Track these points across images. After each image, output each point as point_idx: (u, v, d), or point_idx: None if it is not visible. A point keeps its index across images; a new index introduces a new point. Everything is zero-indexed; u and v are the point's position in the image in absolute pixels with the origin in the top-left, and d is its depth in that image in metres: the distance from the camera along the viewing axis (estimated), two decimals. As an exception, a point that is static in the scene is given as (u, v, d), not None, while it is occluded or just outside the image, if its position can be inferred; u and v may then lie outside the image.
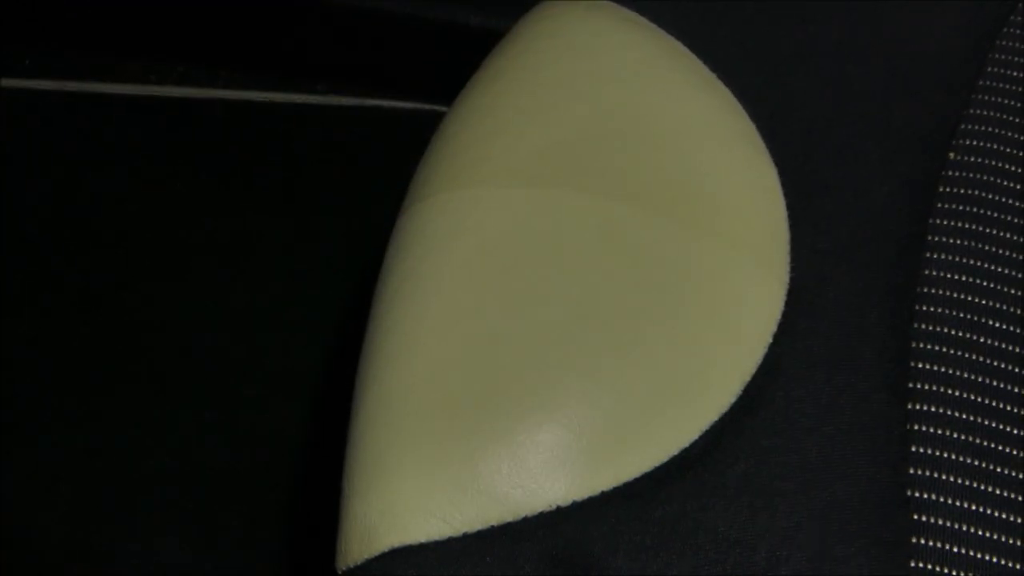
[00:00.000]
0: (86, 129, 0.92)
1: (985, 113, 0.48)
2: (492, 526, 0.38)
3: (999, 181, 0.46)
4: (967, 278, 0.43)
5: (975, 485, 0.38)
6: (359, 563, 0.38)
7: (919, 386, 0.40)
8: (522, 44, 0.50)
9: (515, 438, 0.38)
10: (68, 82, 0.96)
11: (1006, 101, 0.48)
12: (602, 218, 0.42)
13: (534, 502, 0.38)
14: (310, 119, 0.94)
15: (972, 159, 0.46)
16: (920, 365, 0.41)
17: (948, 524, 0.38)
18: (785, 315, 0.42)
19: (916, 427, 0.40)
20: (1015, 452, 0.39)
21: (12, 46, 0.97)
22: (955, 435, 0.39)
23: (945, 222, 0.45)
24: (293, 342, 0.82)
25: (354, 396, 0.41)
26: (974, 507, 0.38)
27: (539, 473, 0.38)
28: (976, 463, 0.39)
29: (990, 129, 0.47)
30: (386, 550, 0.38)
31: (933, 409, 0.40)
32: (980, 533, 0.37)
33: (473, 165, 0.45)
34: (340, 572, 0.39)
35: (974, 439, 0.39)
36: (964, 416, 0.40)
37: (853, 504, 0.38)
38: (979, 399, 0.40)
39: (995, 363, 0.41)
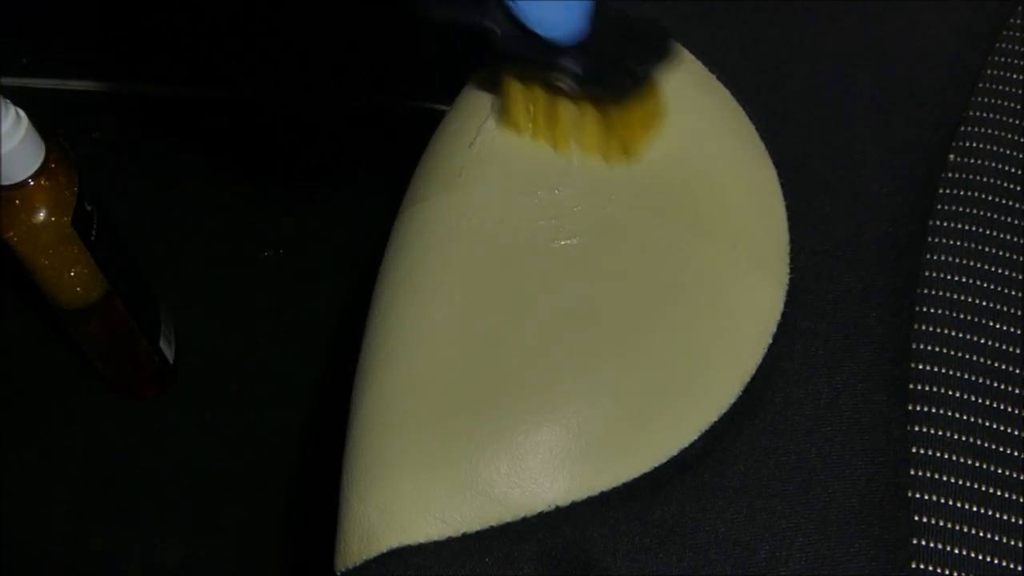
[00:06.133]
0: (84, 128, 0.92)
1: (985, 115, 0.48)
2: (491, 526, 0.38)
3: (999, 182, 0.46)
4: (967, 279, 0.43)
5: (976, 486, 0.38)
6: (358, 564, 0.38)
7: (919, 387, 0.40)
8: (522, 44, 0.49)
9: (514, 438, 0.38)
10: (66, 81, 0.96)
11: (1006, 103, 0.48)
12: (601, 219, 0.42)
13: (533, 502, 0.38)
14: (310, 119, 0.94)
15: (972, 160, 0.46)
16: (920, 366, 0.41)
17: (948, 525, 0.38)
18: (785, 315, 0.42)
19: (916, 428, 0.40)
20: (1016, 453, 0.39)
21: (10, 45, 0.97)
22: (955, 436, 0.39)
23: (945, 223, 0.45)
24: (293, 342, 0.82)
25: (353, 396, 0.41)
26: (975, 508, 0.38)
27: (538, 473, 0.38)
28: (977, 464, 0.39)
29: (990, 131, 0.47)
30: (385, 551, 0.38)
31: (933, 410, 0.40)
32: (981, 534, 0.37)
33: (473, 165, 0.44)
34: (339, 573, 0.39)
35: (974, 440, 0.39)
36: (964, 417, 0.40)
37: (853, 505, 0.38)
38: (979, 400, 0.40)
39: (995, 364, 0.41)
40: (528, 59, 0.39)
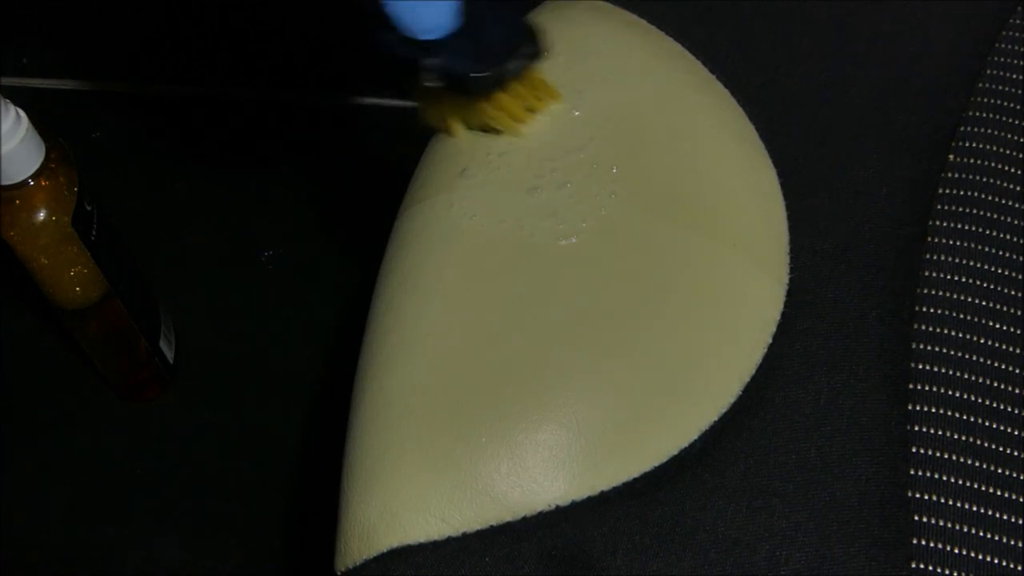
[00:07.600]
0: (83, 128, 0.92)
1: (984, 115, 0.48)
2: (491, 526, 0.38)
3: (998, 183, 0.46)
4: (967, 279, 0.43)
5: (975, 486, 0.38)
6: (358, 563, 0.38)
7: (919, 387, 0.40)
8: (522, 44, 0.49)
9: (514, 438, 0.38)
10: (66, 80, 0.96)
11: (1005, 103, 0.48)
12: (601, 219, 0.42)
13: (533, 502, 0.38)
14: (310, 119, 0.94)
15: (971, 160, 0.46)
16: (920, 366, 0.41)
17: (948, 525, 0.38)
18: (785, 315, 0.42)
19: (916, 428, 0.40)
20: (1016, 453, 0.39)
21: (10, 45, 0.97)
22: (955, 436, 0.39)
23: (945, 223, 0.45)
24: (293, 342, 0.82)
25: (353, 396, 0.41)
26: (974, 508, 0.38)
27: (538, 473, 0.38)
28: (976, 464, 0.39)
29: (989, 131, 0.47)
30: (385, 550, 0.38)
31: (933, 410, 0.40)
32: (980, 534, 0.37)
33: (473, 165, 0.45)
34: (339, 573, 0.39)
35: (974, 440, 0.39)
36: (964, 417, 0.40)
37: (853, 505, 0.38)
38: (979, 400, 0.40)
39: (995, 364, 0.41)
40: (402, 57, 0.42)
